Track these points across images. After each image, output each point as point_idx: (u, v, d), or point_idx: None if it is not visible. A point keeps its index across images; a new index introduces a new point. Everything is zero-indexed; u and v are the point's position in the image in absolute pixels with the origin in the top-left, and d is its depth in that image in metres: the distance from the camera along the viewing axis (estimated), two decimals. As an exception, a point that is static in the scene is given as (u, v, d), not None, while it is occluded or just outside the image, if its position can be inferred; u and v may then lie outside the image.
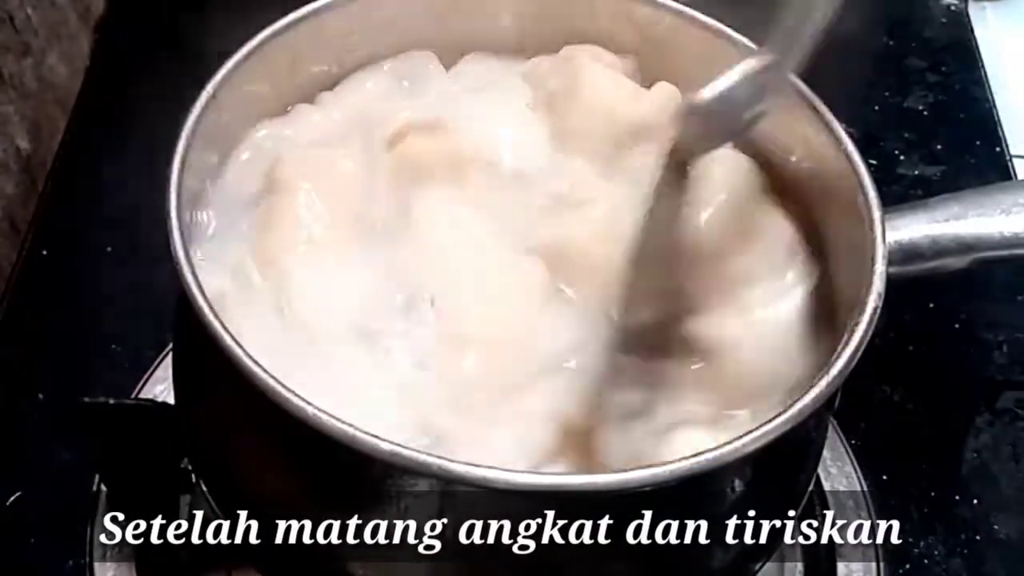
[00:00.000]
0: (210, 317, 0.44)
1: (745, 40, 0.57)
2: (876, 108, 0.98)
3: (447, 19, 0.61)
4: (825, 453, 0.69)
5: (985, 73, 1.03)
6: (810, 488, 0.55)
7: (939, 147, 0.95)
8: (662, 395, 0.49)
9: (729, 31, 0.58)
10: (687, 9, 0.58)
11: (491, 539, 0.44)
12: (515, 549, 0.44)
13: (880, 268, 0.48)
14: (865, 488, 0.71)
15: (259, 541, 0.52)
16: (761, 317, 0.52)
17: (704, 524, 0.48)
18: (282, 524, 0.50)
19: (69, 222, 0.85)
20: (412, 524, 0.44)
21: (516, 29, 0.61)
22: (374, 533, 0.45)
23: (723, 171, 0.55)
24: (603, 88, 0.57)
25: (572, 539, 0.44)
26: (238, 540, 0.53)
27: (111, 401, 0.60)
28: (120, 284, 0.79)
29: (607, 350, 0.50)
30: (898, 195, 0.89)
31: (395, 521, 0.44)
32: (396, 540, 0.45)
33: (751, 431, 0.42)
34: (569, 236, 0.52)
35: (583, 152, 0.56)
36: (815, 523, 0.69)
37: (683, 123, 0.48)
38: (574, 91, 0.57)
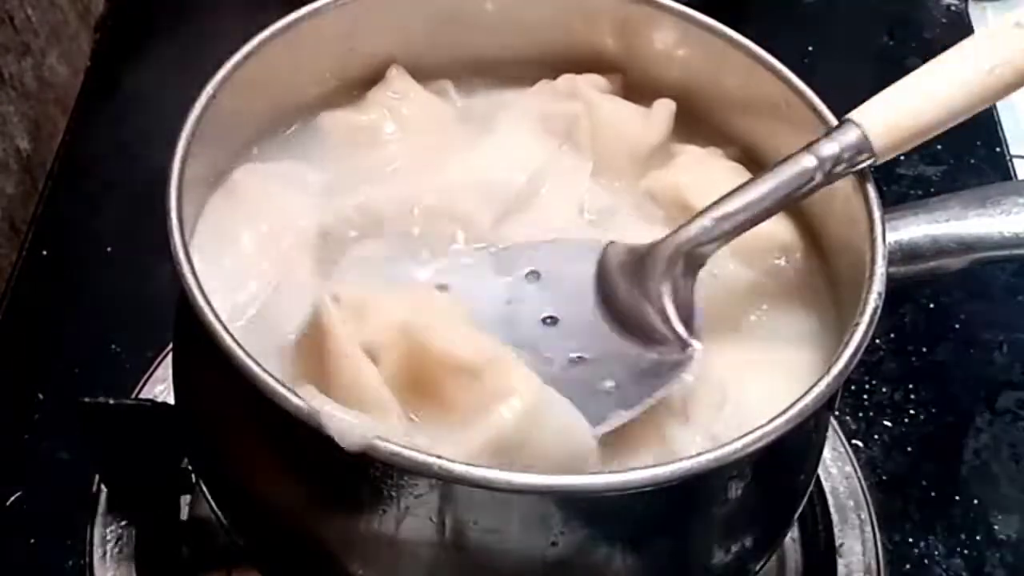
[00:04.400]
0: (210, 317, 0.44)
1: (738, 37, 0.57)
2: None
3: (446, 24, 0.61)
4: (825, 453, 0.69)
5: (985, 73, 1.03)
6: (810, 488, 0.55)
7: (939, 147, 0.95)
8: None
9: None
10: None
11: (491, 539, 0.44)
12: (515, 549, 0.44)
13: (880, 268, 0.48)
14: (865, 488, 0.71)
15: (259, 541, 0.52)
16: None
17: (704, 524, 0.48)
18: (282, 524, 0.50)
19: (69, 222, 0.85)
20: (412, 524, 0.44)
21: (511, 36, 0.62)
22: (374, 533, 0.45)
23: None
24: (621, 122, 0.59)
25: (572, 539, 0.44)
26: (238, 540, 0.53)
27: (111, 401, 0.60)
28: (120, 284, 0.79)
29: None
30: (898, 195, 0.89)
31: (395, 521, 0.44)
32: (396, 540, 0.45)
33: (751, 431, 0.42)
34: None
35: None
36: (815, 523, 0.69)
37: None
38: (596, 128, 0.59)
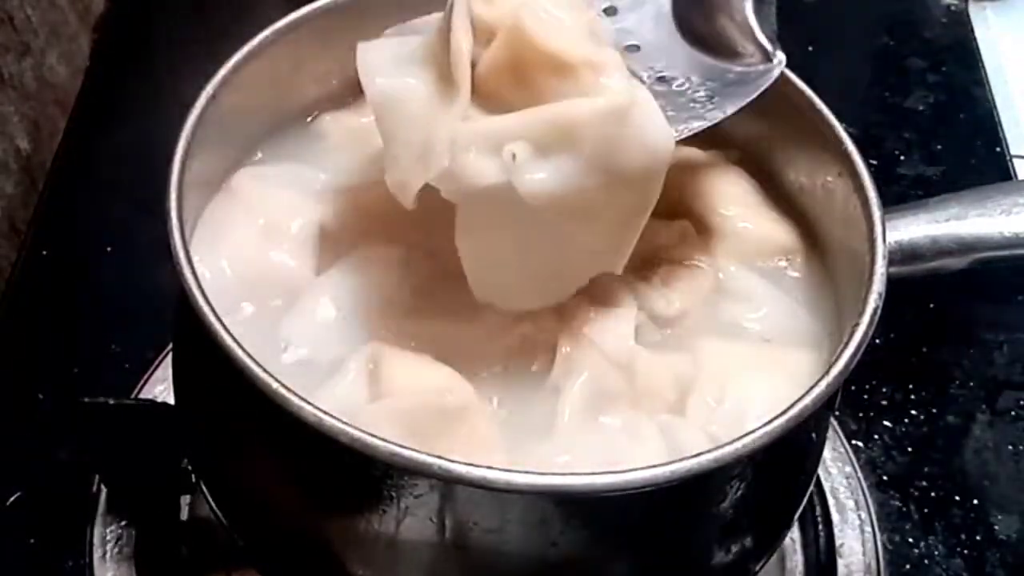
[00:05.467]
0: (210, 317, 0.44)
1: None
2: (876, 108, 0.98)
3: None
4: (825, 453, 0.69)
5: (985, 73, 1.03)
6: (810, 488, 0.55)
7: (939, 147, 0.95)
8: None
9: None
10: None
11: (491, 539, 0.44)
12: (515, 549, 0.44)
13: (880, 268, 0.48)
14: (865, 488, 0.71)
15: (259, 541, 0.52)
16: None
17: (704, 524, 0.48)
18: (282, 524, 0.50)
19: (69, 222, 0.85)
20: (412, 524, 0.44)
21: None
22: (374, 533, 0.45)
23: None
24: None
25: (572, 539, 0.44)
26: (238, 540, 0.53)
27: (111, 401, 0.60)
28: (120, 284, 0.79)
29: None
30: (898, 195, 0.89)
31: (395, 521, 0.44)
32: (396, 540, 0.45)
33: (751, 431, 0.42)
34: None
35: None
36: (815, 523, 0.69)
37: None
38: None
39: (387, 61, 0.50)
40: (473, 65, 0.47)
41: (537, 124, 0.46)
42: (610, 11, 0.54)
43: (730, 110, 0.50)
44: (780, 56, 0.51)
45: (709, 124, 0.50)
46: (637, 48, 0.53)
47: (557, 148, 0.46)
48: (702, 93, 0.51)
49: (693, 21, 0.53)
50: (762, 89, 0.51)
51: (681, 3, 0.54)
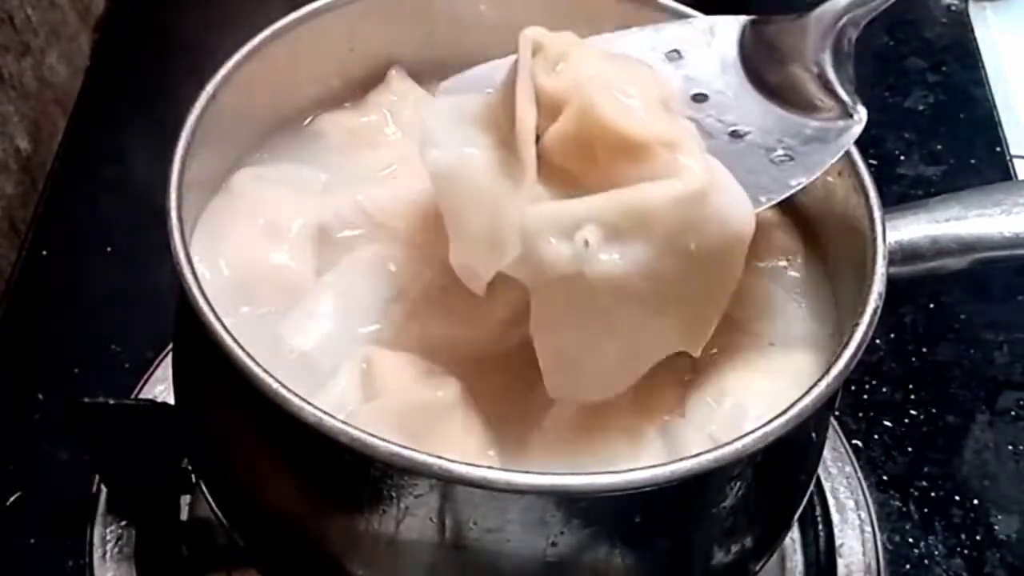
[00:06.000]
0: (210, 317, 0.44)
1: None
2: (876, 108, 0.98)
3: (445, 25, 0.61)
4: (825, 453, 0.69)
5: (985, 73, 1.03)
6: (810, 488, 0.55)
7: (939, 147, 0.95)
8: None
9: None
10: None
11: (491, 539, 0.44)
12: (515, 549, 0.44)
13: (880, 268, 0.48)
14: (865, 488, 0.71)
15: (259, 541, 0.52)
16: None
17: (704, 524, 0.48)
18: (282, 524, 0.50)
19: (69, 222, 0.85)
20: (412, 524, 0.44)
21: (511, 37, 0.61)
22: (374, 533, 0.45)
23: None
24: None
25: (572, 539, 0.44)
26: (238, 540, 0.53)
27: (111, 401, 0.60)
28: (120, 284, 0.79)
29: None
30: (898, 195, 0.89)
31: (395, 521, 0.44)
32: (396, 540, 0.45)
33: (751, 431, 0.42)
34: None
35: None
36: (815, 523, 0.69)
37: None
38: None
39: (443, 126, 0.47)
40: (537, 136, 0.45)
41: (611, 209, 0.43)
42: (673, 56, 0.51)
43: (813, 173, 0.47)
44: (861, 111, 0.48)
45: (792, 191, 0.47)
46: (705, 97, 0.50)
47: (631, 233, 0.43)
48: (780, 152, 0.48)
49: (762, 69, 0.51)
50: (844, 149, 0.48)
51: (749, 49, 0.51)
